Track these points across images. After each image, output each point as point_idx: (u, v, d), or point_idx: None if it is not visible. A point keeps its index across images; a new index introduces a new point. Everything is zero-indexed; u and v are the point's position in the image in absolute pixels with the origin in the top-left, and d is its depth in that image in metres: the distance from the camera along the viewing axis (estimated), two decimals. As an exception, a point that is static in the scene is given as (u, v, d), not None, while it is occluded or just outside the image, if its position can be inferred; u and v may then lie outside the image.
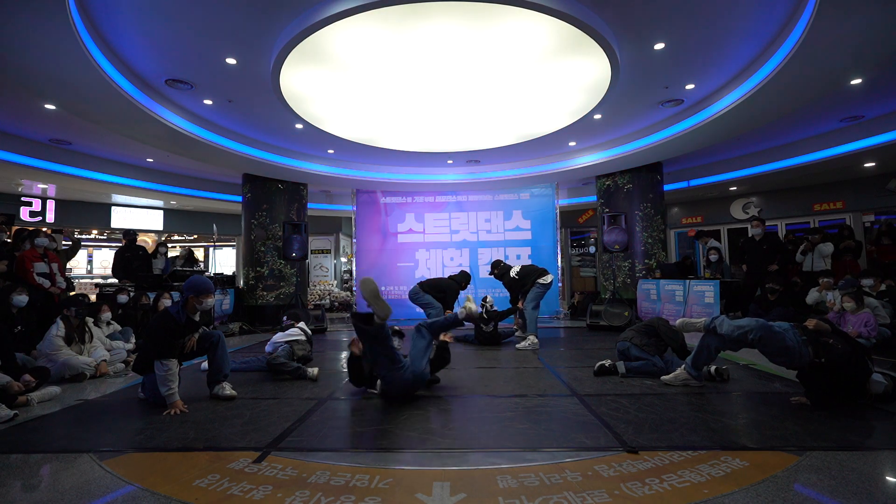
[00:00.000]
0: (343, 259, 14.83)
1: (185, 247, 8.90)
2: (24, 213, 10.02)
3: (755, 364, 4.46)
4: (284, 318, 5.10)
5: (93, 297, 6.69)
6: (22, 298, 4.60)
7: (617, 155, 8.11)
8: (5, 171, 7.97)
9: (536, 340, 5.62)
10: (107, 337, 4.98)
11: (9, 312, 4.57)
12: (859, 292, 5.53)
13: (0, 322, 4.01)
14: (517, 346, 5.66)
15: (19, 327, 4.55)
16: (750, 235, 7.34)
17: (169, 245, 8.70)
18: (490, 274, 6.59)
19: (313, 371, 4.16)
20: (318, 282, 13.79)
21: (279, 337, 4.66)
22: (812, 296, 6.20)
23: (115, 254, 7.83)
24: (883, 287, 5.82)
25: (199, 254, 15.71)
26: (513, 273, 6.12)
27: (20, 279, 5.37)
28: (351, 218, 10.41)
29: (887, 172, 9.02)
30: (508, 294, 6.35)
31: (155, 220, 12.22)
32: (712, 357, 3.57)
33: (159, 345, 3.22)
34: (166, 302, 6.33)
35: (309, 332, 5.02)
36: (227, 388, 3.54)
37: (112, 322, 5.31)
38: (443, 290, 6.28)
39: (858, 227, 9.51)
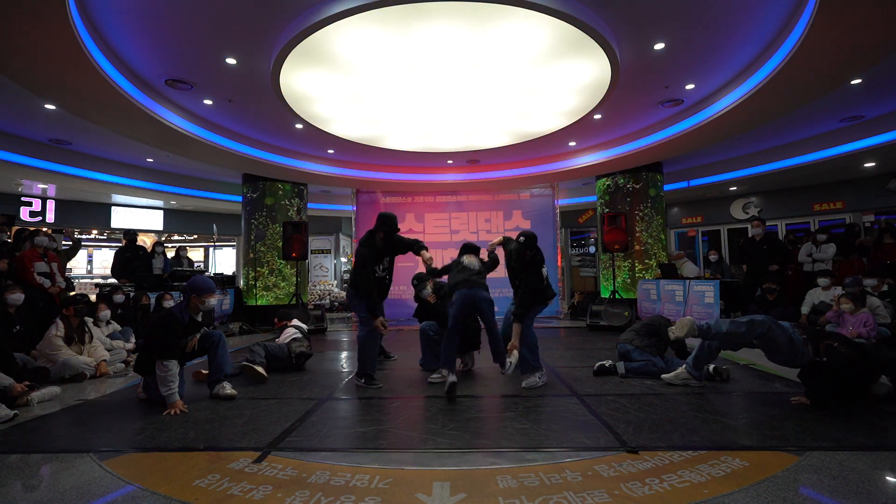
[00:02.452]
0: (343, 259, 14.83)
1: (182, 247, 8.92)
2: (24, 213, 10.02)
3: (755, 364, 4.46)
4: (275, 320, 5.10)
5: (93, 297, 6.68)
6: (17, 297, 4.53)
7: (617, 155, 8.11)
8: (5, 171, 7.98)
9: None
10: (107, 337, 4.98)
11: (5, 312, 4.53)
12: (863, 293, 5.51)
13: None
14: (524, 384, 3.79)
15: (18, 327, 4.52)
16: (750, 235, 7.34)
17: (166, 245, 8.70)
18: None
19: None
20: (318, 282, 13.80)
21: (278, 342, 4.65)
22: (811, 296, 6.19)
23: (115, 254, 7.84)
24: (885, 287, 5.80)
25: (198, 254, 15.73)
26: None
27: (20, 279, 5.37)
28: (351, 218, 10.40)
29: (887, 172, 9.03)
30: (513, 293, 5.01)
31: (155, 220, 12.22)
32: (713, 356, 3.58)
33: (161, 345, 3.22)
34: (168, 303, 6.34)
35: (304, 326, 5.01)
36: (228, 388, 3.54)
37: (111, 322, 5.30)
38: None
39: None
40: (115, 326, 5.32)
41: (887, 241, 7.09)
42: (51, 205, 10.51)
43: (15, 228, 6.81)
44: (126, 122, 6.01)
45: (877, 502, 1.83)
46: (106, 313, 5.17)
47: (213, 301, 3.47)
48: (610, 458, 2.28)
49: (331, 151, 8.54)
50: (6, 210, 8.51)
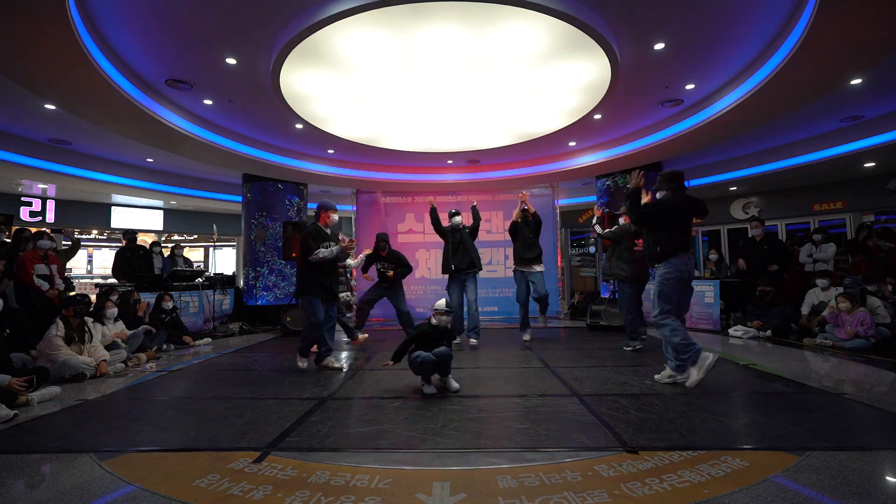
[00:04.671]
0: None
1: (177, 245, 8.92)
2: (24, 213, 10.03)
3: (755, 364, 4.46)
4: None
5: (93, 297, 6.68)
6: None
7: (617, 155, 8.11)
8: (5, 171, 7.98)
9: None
10: (107, 343, 4.92)
11: None
12: (863, 293, 5.51)
13: None
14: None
15: (7, 331, 4.37)
16: (750, 236, 7.33)
17: (163, 245, 8.72)
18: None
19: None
20: (318, 282, 13.75)
21: None
22: (810, 296, 6.19)
23: (116, 254, 7.85)
24: (890, 288, 5.79)
25: (198, 254, 15.73)
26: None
27: (20, 280, 5.37)
28: (351, 218, 10.40)
29: (887, 172, 9.02)
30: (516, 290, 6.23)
31: (155, 220, 12.23)
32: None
33: (308, 248, 4.34)
34: (167, 304, 6.34)
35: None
36: (335, 362, 4.47)
37: (119, 320, 5.26)
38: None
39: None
40: (120, 325, 5.28)
41: (887, 244, 7.08)
42: (51, 205, 10.52)
43: (14, 228, 6.81)
44: (126, 122, 6.01)
45: (877, 502, 1.83)
46: (113, 311, 5.16)
47: (336, 216, 4.64)
48: (610, 458, 2.28)
49: (331, 151, 8.54)
50: (6, 210, 8.52)
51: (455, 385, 3.68)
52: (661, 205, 3.73)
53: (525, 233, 6.08)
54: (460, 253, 5.89)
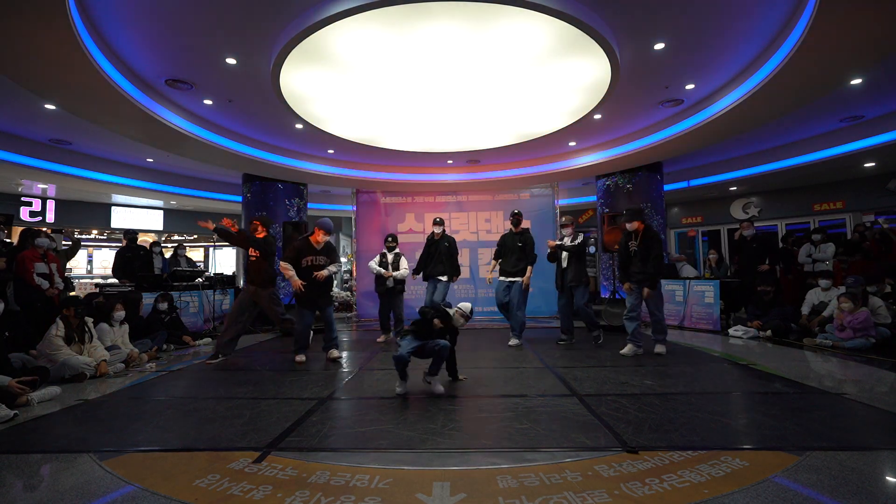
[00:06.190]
0: (343, 259, 14.83)
1: (180, 245, 8.96)
2: (24, 213, 10.03)
3: (755, 364, 4.46)
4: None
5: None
6: None
7: (617, 155, 8.12)
8: (5, 171, 7.98)
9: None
10: (110, 345, 4.90)
11: None
12: (864, 293, 5.51)
13: None
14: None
15: (7, 333, 4.34)
16: (745, 235, 7.33)
17: (164, 245, 8.71)
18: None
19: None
20: (318, 282, 13.75)
21: None
22: (811, 296, 6.19)
23: (116, 254, 7.84)
24: (888, 289, 5.80)
25: (198, 254, 15.72)
26: None
27: (20, 278, 5.37)
28: (351, 218, 10.40)
29: (887, 172, 9.03)
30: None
31: (155, 220, 12.24)
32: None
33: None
34: (162, 305, 6.33)
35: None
36: (335, 353, 5.01)
37: (125, 323, 5.24)
38: None
39: (858, 228, 9.51)
40: (126, 328, 5.26)
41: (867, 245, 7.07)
42: (51, 205, 10.52)
43: (20, 229, 6.80)
44: (126, 122, 6.02)
45: (877, 502, 1.83)
46: (121, 314, 5.14)
47: (324, 238, 4.96)
48: (610, 458, 2.28)
49: (331, 151, 8.54)
50: (6, 210, 8.53)
51: (440, 388, 3.54)
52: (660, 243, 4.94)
53: (516, 248, 5.96)
54: (433, 262, 6.34)
